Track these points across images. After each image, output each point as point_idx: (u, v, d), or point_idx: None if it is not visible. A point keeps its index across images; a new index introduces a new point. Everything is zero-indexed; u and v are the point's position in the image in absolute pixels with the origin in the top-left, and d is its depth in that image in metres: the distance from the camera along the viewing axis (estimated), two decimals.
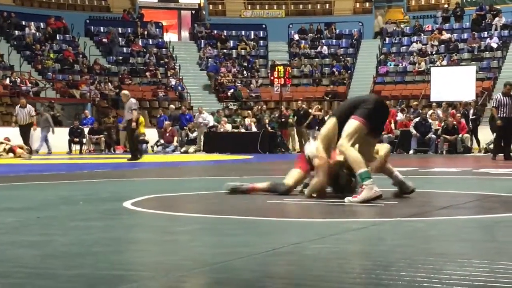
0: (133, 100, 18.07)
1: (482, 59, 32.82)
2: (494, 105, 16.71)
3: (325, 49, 36.88)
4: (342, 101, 31.94)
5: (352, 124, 6.28)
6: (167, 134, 26.07)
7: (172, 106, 29.25)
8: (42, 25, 35.44)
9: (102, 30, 36.92)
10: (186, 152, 25.38)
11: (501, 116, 16.24)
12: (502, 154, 16.62)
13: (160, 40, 37.92)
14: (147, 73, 34.42)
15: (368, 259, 3.47)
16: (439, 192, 7.65)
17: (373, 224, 4.84)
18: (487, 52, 33.31)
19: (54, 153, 24.31)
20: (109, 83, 32.30)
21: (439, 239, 4.19)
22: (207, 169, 15.24)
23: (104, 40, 36.09)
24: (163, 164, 17.24)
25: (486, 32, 34.39)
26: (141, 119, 28.25)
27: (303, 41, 37.70)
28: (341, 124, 6.38)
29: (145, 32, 37.42)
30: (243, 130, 26.55)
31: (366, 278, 3.00)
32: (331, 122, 6.58)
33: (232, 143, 24.28)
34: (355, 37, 37.43)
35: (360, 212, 5.69)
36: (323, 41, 37.62)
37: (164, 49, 37.05)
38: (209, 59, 35.93)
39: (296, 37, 37.92)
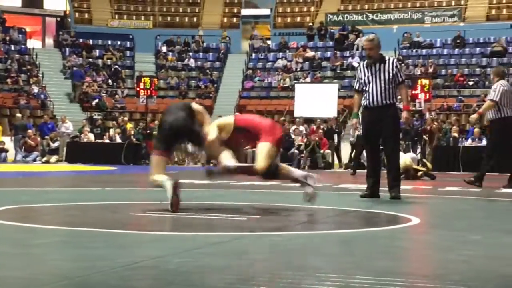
0: None
1: (344, 78, 33.78)
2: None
3: (192, 62, 36.95)
4: (209, 114, 32.18)
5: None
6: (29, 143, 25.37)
7: (18, 115, 28.34)
8: None
9: None
10: (47, 161, 24.76)
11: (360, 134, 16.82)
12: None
13: (23, 46, 36.86)
14: (8, 80, 33.36)
15: (229, 273, 3.48)
16: (299, 206, 7.80)
17: (235, 238, 4.87)
18: (349, 71, 34.33)
19: None
20: None
21: (299, 253, 4.27)
22: (68, 179, 14.91)
23: None
24: (23, 173, 16.75)
25: (348, 51, 35.44)
26: (0, 127, 27.38)
27: (170, 53, 37.63)
28: None
29: (7, 38, 36.29)
30: (107, 141, 26.18)
31: None
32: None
33: (96, 154, 23.90)
34: (222, 51, 37.70)
35: (222, 225, 5.72)
36: (190, 53, 37.68)
37: (27, 56, 36.04)
38: (74, 68, 35.23)
39: (164, 49, 37.80)
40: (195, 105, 7.30)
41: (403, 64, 33.25)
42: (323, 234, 5.32)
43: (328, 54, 35.47)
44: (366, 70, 8.97)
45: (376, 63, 8.88)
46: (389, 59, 8.99)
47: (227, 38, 38.16)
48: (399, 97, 9.45)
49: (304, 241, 4.90)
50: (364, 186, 9.10)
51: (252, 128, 7.03)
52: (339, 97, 30.27)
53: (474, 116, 12.10)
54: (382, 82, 8.78)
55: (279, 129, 7.40)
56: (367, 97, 8.88)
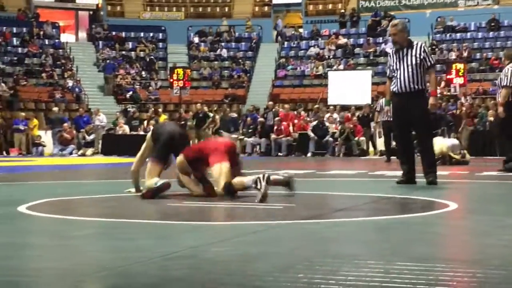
0: None
1: (377, 64, 33.58)
2: (377, 109, 17.45)
3: (224, 52, 36.98)
4: (242, 104, 32.20)
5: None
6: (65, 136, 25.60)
7: (55, 109, 28.55)
8: None
9: None
10: (83, 154, 24.96)
11: (385, 119, 16.63)
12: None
13: (56, 40, 37.16)
14: (43, 74, 33.66)
15: (267, 261, 3.49)
16: (336, 194, 7.78)
17: (272, 226, 4.87)
18: (382, 57, 34.10)
19: None
20: (3, 84, 31.44)
21: (336, 241, 4.26)
22: (104, 172, 15.03)
23: None
24: (60, 167, 16.91)
25: (381, 38, 35.21)
26: (35, 121, 27.66)
27: (202, 44, 37.68)
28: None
29: (41, 32, 36.60)
30: (142, 133, 26.31)
31: (265, 281, 3.02)
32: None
33: (131, 146, 23.99)
34: (254, 40, 37.67)
35: (258, 214, 5.73)
36: (223, 44, 37.70)
37: (61, 50, 36.32)
38: (107, 61, 35.44)
39: (196, 39, 37.87)
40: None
41: (437, 49, 32.99)
42: (360, 221, 5.30)
43: (361, 40, 35.28)
44: (394, 56, 8.91)
45: (403, 49, 8.80)
46: (416, 44, 8.86)
47: (252, 28, 38.14)
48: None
49: (341, 228, 4.89)
50: (400, 173, 9.04)
51: (200, 155, 7.15)
52: (373, 83, 30.06)
53: (501, 111, 11.79)
54: (410, 67, 8.67)
55: (221, 143, 7.34)
56: (396, 83, 8.81)
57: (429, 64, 8.77)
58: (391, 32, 9.15)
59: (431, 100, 8.81)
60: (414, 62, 8.68)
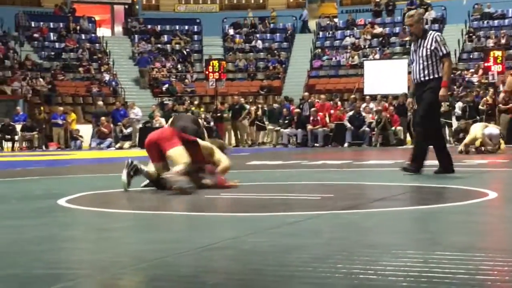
0: None
1: None
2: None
3: (259, 44, 36.96)
4: (278, 95, 32.18)
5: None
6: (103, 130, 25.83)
7: (100, 103, 28.83)
8: None
9: (33, 25, 36.28)
10: (121, 148, 25.15)
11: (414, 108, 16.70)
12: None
13: (93, 35, 37.44)
14: (80, 69, 33.95)
15: (304, 252, 3.48)
16: (373, 184, 7.75)
17: (309, 217, 4.87)
18: None
19: None
20: (41, 79, 31.77)
21: (374, 231, 4.25)
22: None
23: (36, 35, 35.48)
24: (98, 160, 17.06)
25: None
26: (73, 115, 27.92)
27: (237, 36, 37.70)
28: None
29: (78, 27, 36.90)
30: None
31: (304, 271, 3.02)
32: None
33: None
34: (289, 31, 37.60)
35: (296, 205, 5.73)
36: (258, 35, 37.69)
37: (97, 44, 36.60)
38: (142, 54, 35.62)
39: (231, 31, 37.90)
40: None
41: (474, 37, 32.64)
42: (398, 211, 5.27)
43: (397, 29, 35.03)
44: (412, 47, 9.00)
45: (418, 39, 8.81)
46: (430, 34, 8.82)
47: (276, 19, 38.08)
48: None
49: (379, 218, 4.87)
50: (435, 162, 8.98)
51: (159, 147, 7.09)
52: (409, 72, 29.72)
53: None
54: (421, 59, 8.69)
55: (165, 131, 7.35)
56: (412, 74, 8.95)
57: (441, 54, 8.67)
58: (407, 23, 9.24)
59: (441, 92, 8.57)
60: (425, 53, 8.67)
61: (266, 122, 27.07)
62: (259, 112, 26.78)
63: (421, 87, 8.71)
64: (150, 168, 7.19)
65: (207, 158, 7.24)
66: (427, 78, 8.63)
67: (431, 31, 9.05)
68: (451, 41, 33.19)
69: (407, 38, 33.68)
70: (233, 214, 5.28)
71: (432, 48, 8.64)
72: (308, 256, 3.35)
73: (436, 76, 8.64)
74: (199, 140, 7.30)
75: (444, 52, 8.70)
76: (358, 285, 2.75)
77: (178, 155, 6.91)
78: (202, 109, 27.59)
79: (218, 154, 7.32)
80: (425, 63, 8.65)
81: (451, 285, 2.72)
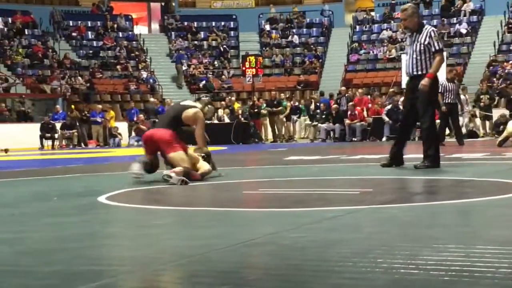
0: None
1: (452, 45, 33.01)
2: (440, 91, 17.18)
3: (296, 39, 36.90)
4: (315, 90, 32.10)
5: None
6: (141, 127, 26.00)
7: (152, 99, 29.10)
8: (10, 20, 35.07)
9: (71, 24, 36.63)
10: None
11: (446, 102, 16.75)
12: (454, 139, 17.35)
13: (130, 33, 37.69)
14: (118, 67, 34.21)
15: (345, 247, 3.47)
16: (413, 178, 7.70)
17: (349, 212, 4.85)
18: (457, 38, 33.52)
19: (26, 148, 24.11)
20: (80, 77, 32.08)
21: (415, 225, 4.21)
22: None
23: (74, 34, 35.82)
24: (136, 157, 17.14)
25: (455, 18, 34.58)
26: (112, 113, 28.16)
27: (274, 31, 37.67)
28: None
29: (115, 25, 37.18)
30: (216, 121, 26.51)
31: (344, 266, 3.01)
32: None
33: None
34: (325, 25, 37.47)
35: (335, 200, 5.71)
36: (294, 30, 37.62)
37: (134, 42, 36.85)
38: (179, 51, 35.77)
39: (267, 27, 37.88)
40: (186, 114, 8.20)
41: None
42: (438, 204, 5.23)
43: (435, 22, 34.71)
44: (408, 40, 9.08)
45: (413, 33, 8.88)
46: (425, 29, 8.87)
47: (300, 13, 37.96)
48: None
49: (419, 212, 4.83)
50: (475, 155, 8.94)
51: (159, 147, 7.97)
52: (447, 65, 29.54)
53: None
54: (414, 53, 8.77)
55: (165, 135, 7.97)
56: (405, 67, 9.09)
57: (433, 49, 8.74)
58: (401, 17, 9.36)
59: (423, 81, 8.57)
60: (418, 48, 8.75)
61: (303, 117, 27.04)
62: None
63: (413, 80, 8.79)
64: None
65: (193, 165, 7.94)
66: (419, 72, 8.72)
67: (427, 26, 9.12)
68: (490, 32, 32.85)
69: (444, 31, 33.39)
70: (272, 209, 5.28)
71: (426, 43, 8.73)
72: (348, 251, 3.34)
73: (426, 71, 8.73)
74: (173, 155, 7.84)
75: (437, 47, 8.77)
76: (398, 280, 2.73)
77: (180, 159, 7.63)
78: (238, 105, 27.60)
79: (201, 162, 8.04)
80: (418, 57, 8.74)
81: (493, 279, 2.68)
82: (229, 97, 29.37)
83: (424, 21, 33.86)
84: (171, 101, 27.89)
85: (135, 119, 26.58)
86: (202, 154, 8.20)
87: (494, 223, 4.26)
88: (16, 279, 2.95)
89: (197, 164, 7.99)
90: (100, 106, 28.20)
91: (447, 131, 20.22)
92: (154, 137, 7.96)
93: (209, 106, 8.86)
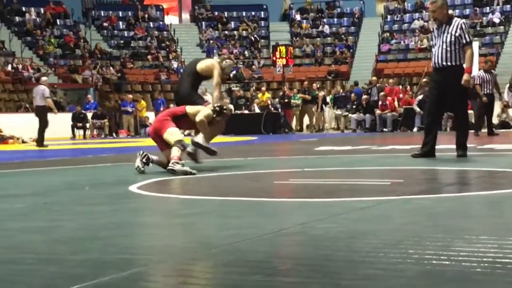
0: (41, 87, 18.11)
1: (485, 35, 32.70)
2: (478, 82, 17.06)
3: (326, 29, 36.76)
4: (346, 80, 31.98)
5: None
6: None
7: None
8: (42, 10, 35.35)
9: (102, 15, 36.83)
10: (189, 134, 25.35)
11: (485, 92, 16.71)
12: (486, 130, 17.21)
13: (161, 23, 37.83)
14: (149, 57, 34.35)
15: (375, 237, 3.46)
16: (444, 169, 7.65)
17: (379, 202, 4.83)
18: (490, 28, 33.20)
19: (58, 138, 24.32)
20: (111, 67, 32.26)
21: (446, 216, 4.18)
22: None
23: (105, 24, 36.02)
24: None
25: (488, 8, 34.23)
26: (143, 103, 28.29)
27: (304, 21, 37.57)
28: None
29: (146, 16, 37.31)
30: (246, 111, 26.53)
31: (374, 256, 3.00)
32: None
33: (236, 125, 24.28)
34: (356, 15, 37.28)
35: (366, 190, 5.69)
36: (325, 20, 37.48)
37: (165, 32, 36.97)
38: (210, 41, 35.82)
39: (298, 17, 37.78)
40: (200, 65, 8.42)
41: None
42: (471, 196, 5.19)
43: (467, 11, 34.41)
44: (435, 32, 9.11)
45: (442, 25, 8.95)
46: (455, 21, 8.98)
47: (311, 3, 37.79)
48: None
49: (451, 203, 4.80)
50: (507, 146, 8.91)
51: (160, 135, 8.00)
52: (480, 55, 29.29)
53: None
54: (444, 44, 8.83)
55: (158, 118, 8.29)
56: (432, 58, 9.05)
57: (464, 42, 8.84)
58: (430, 9, 9.42)
59: (465, 77, 8.76)
60: (449, 39, 8.83)
61: (334, 107, 26.98)
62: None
63: (441, 71, 8.87)
64: (161, 156, 7.91)
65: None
66: (448, 63, 8.81)
67: (456, 18, 9.32)
68: None
69: (477, 20, 33.07)
70: (303, 199, 5.27)
71: (457, 34, 8.82)
72: (379, 242, 3.33)
73: (458, 63, 8.83)
74: (188, 109, 8.02)
75: (468, 40, 8.87)
76: (430, 271, 2.72)
77: (170, 135, 7.73)
78: (267, 95, 27.57)
79: (201, 109, 8.06)
80: (448, 48, 8.82)
81: None
82: (253, 87, 29.24)
83: (457, 11, 33.53)
84: (206, 90, 28.00)
85: (161, 109, 26.72)
86: (216, 105, 8.12)
87: None
88: (50, 266, 2.98)
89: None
90: (130, 96, 28.34)
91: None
92: (153, 128, 8.12)
93: (227, 60, 8.74)
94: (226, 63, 8.60)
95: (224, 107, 8.20)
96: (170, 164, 7.41)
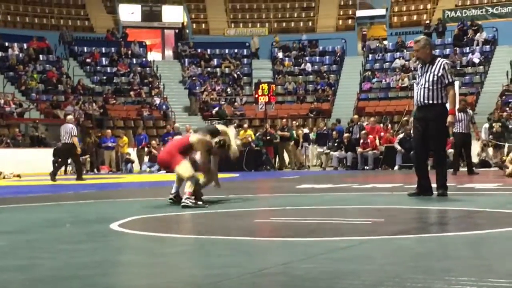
0: (70, 126, 18.34)
1: (465, 74, 33.02)
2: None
3: (308, 66, 37.01)
4: (327, 117, 32.13)
5: None
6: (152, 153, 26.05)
7: (177, 125, 29.19)
8: (25, 46, 35.37)
9: (85, 51, 36.90)
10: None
11: (459, 131, 16.82)
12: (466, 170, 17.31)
13: (144, 59, 37.92)
14: (132, 93, 34.38)
15: (356, 278, 3.47)
16: (425, 208, 7.68)
17: (360, 242, 4.85)
18: (470, 67, 33.55)
19: (39, 174, 24.17)
20: (94, 103, 32.24)
21: (427, 257, 4.21)
22: None
23: (88, 60, 36.07)
24: (149, 184, 17.21)
25: (468, 48, 34.63)
26: (125, 139, 28.24)
27: (286, 59, 37.81)
28: None
29: (129, 52, 37.42)
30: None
31: None
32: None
33: (218, 161, 24.21)
34: (338, 54, 37.58)
35: (347, 230, 5.70)
36: (307, 58, 37.75)
37: (148, 68, 37.05)
38: (192, 78, 35.93)
39: (280, 54, 38.03)
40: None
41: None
42: (451, 236, 5.22)
43: (447, 51, 34.77)
44: (419, 70, 9.26)
45: (425, 64, 9.10)
46: (438, 61, 9.13)
47: (278, 43, 38.14)
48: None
49: (431, 244, 4.82)
50: (487, 186, 8.99)
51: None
52: (460, 94, 29.53)
53: None
54: (427, 83, 8.98)
55: (168, 151, 8.70)
56: (415, 97, 9.21)
57: (446, 82, 9.02)
58: (414, 48, 9.57)
59: (449, 118, 8.96)
60: (431, 79, 8.97)
61: (315, 145, 27.04)
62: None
63: (424, 110, 9.02)
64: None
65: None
66: (430, 102, 8.97)
67: (439, 58, 9.46)
68: (503, 62, 32.86)
69: (457, 60, 33.41)
70: (284, 239, 5.28)
71: (439, 74, 8.96)
72: (360, 283, 3.34)
73: (440, 102, 8.99)
74: (192, 138, 8.60)
75: (450, 80, 9.07)
76: None
77: (182, 170, 8.21)
78: (249, 132, 27.59)
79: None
80: (431, 87, 8.96)
81: None
82: (235, 124, 29.34)
83: (437, 50, 33.83)
84: (190, 127, 27.97)
85: (142, 144, 26.74)
86: (221, 139, 8.76)
87: (507, 255, 4.25)
88: None
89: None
90: (109, 131, 28.28)
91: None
92: (163, 159, 8.70)
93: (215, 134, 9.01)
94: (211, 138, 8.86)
95: (227, 144, 8.85)
96: (183, 200, 7.88)
